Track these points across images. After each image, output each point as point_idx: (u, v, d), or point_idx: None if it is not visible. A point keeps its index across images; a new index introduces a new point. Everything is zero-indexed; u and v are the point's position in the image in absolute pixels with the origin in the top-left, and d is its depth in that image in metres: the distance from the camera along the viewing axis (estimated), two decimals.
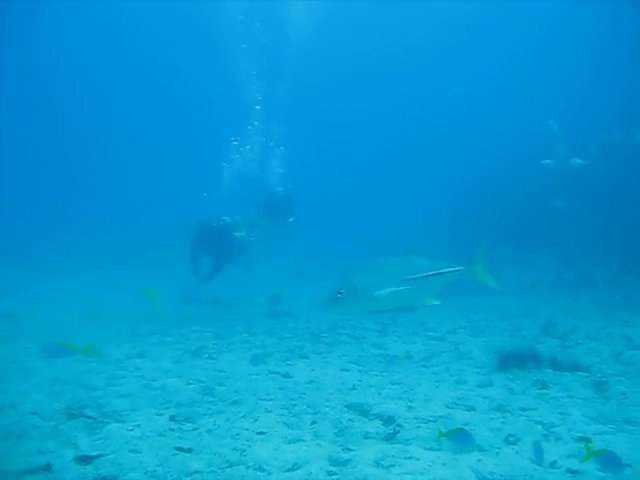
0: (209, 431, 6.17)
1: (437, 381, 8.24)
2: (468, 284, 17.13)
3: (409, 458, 5.50)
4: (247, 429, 6.23)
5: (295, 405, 7.09)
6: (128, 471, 5.14)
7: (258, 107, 20.44)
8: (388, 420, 6.57)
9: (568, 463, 5.40)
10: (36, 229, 29.32)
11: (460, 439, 5.64)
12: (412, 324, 12.37)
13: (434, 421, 6.53)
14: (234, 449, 5.67)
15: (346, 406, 7.05)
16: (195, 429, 6.23)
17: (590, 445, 5.26)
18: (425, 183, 40.17)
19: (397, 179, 43.29)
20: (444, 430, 5.69)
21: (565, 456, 5.57)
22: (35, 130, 45.59)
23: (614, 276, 15.10)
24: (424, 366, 9.12)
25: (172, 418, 6.53)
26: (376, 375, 8.53)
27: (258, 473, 5.18)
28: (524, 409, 6.95)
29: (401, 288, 5.44)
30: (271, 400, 7.28)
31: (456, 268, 5.80)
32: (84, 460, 5.31)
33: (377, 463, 5.37)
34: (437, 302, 5.69)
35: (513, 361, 8.82)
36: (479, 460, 5.47)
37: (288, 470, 5.27)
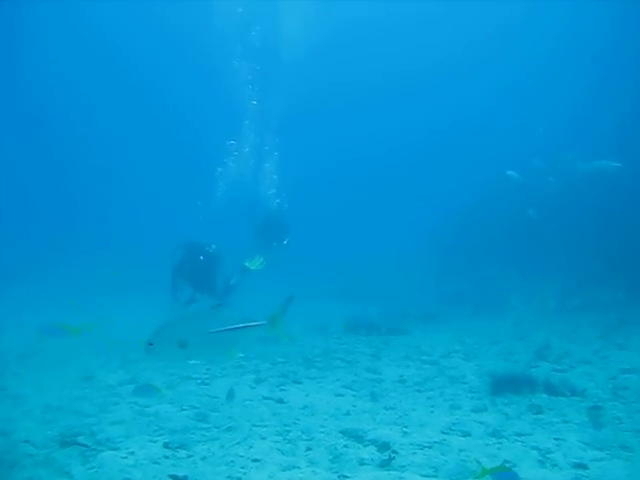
0: (203, 458, 6.12)
1: (432, 406, 8.21)
2: (462, 306, 17.27)
3: None
4: (242, 456, 6.18)
5: (290, 431, 7.05)
6: None
7: (254, 102, 20.46)
8: (383, 446, 6.53)
9: None
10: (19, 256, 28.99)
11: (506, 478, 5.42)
12: (405, 348, 12.35)
13: (429, 447, 6.50)
14: (229, 477, 5.63)
15: (341, 432, 7.02)
16: (189, 456, 6.19)
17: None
18: (417, 206, 40.36)
19: (388, 201, 43.50)
20: (487, 467, 5.49)
21: None
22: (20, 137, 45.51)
23: (619, 299, 15.09)
24: (418, 391, 9.09)
25: (166, 445, 6.48)
26: (370, 400, 8.50)
27: None
28: (520, 434, 6.92)
29: (206, 340, 5.51)
30: (265, 426, 7.23)
31: (259, 323, 6.05)
32: None
33: None
34: (241, 354, 5.85)
35: (507, 385, 8.78)
36: None
37: None
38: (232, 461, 6.04)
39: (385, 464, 6.03)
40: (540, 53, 30.49)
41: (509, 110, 30.60)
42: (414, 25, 36.45)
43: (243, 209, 17.04)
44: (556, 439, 6.72)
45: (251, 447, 6.47)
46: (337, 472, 5.80)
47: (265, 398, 8.58)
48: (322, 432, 7.01)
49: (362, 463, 6.07)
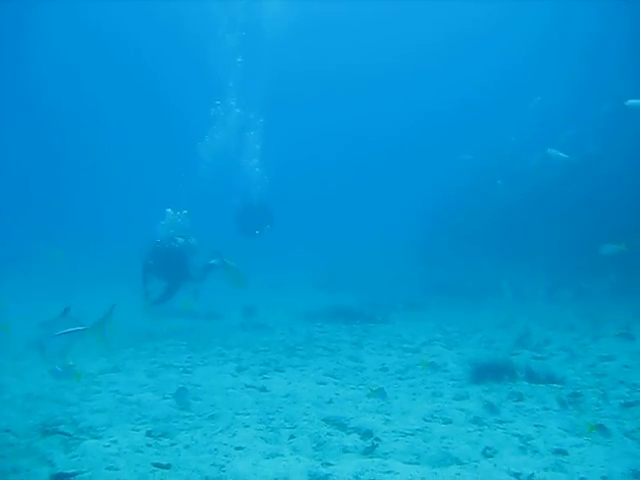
0: (187, 446, 6.11)
1: (413, 394, 8.26)
2: (445, 296, 17.38)
3: (388, 472, 5.49)
4: (225, 444, 6.18)
5: (273, 419, 7.06)
6: None
7: (240, 59, 20.31)
8: (366, 434, 6.56)
9: (546, 476, 5.44)
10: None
11: None
12: (387, 336, 12.42)
13: (412, 434, 6.54)
14: (213, 465, 5.62)
15: (324, 420, 7.04)
16: (173, 444, 6.17)
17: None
18: (404, 195, 40.37)
19: (373, 194, 43.52)
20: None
21: (542, 469, 5.61)
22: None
23: (603, 289, 15.21)
24: (400, 379, 9.14)
25: (149, 433, 6.46)
26: (353, 388, 8.53)
27: None
28: (501, 422, 6.99)
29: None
30: (248, 414, 7.24)
31: (82, 327, 7.49)
32: (60, 478, 5.22)
33: (357, 478, 5.35)
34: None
35: (488, 373, 8.87)
36: (458, 474, 5.48)
37: None
38: (215, 449, 6.04)
39: (368, 451, 6.06)
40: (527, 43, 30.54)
41: (500, 96, 30.59)
42: (404, 10, 36.21)
43: (226, 195, 16.84)
44: (536, 426, 6.80)
45: (234, 435, 6.47)
46: (321, 459, 5.82)
47: (247, 386, 8.57)
48: (305, 420, 7.03)
49: (345, 450, 6.10)
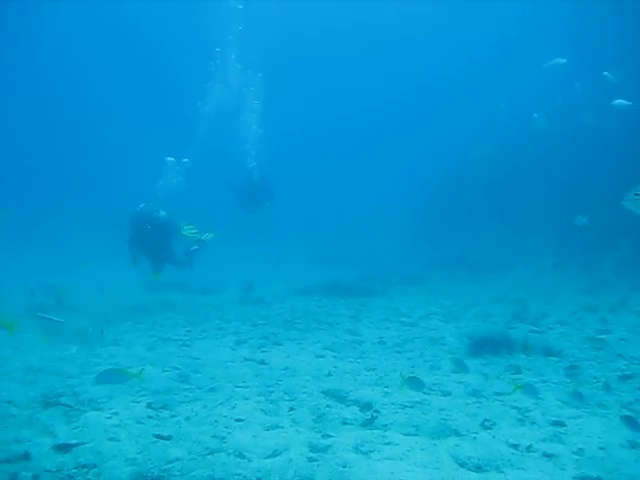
0: (187, 418, 6.15)
1: (412, 367, 8.31)
2: (443, 270, 17.38)
3: (388, 444, 5.54)
4: (225, 416, 6.22)
5: (272, 392, 7.10)
6: (108, 459, 5.10)
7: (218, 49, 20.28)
8: (365, 406, 6.60)
9: (544, 447, 5.49)
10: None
11: None
12: (385, 310, 12.45)
13: (411, 407, 6.59)
14: (214, 436, 5.66)
15: (323, 392, 7.08)
16: (173, 416, 6.21)
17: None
18: (399, 170, 40.18)
19: (371, 168, 43.26)
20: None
21: (540, 440, 5.66)
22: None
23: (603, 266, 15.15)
24: (398, 352, 9.18)
25: (149, 406, 6.49)
26: (351, 361, 8.57)
27: (239, 460, 5.18)
28: (499, 394, 7.04)
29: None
30: (248, 387, 7.28)
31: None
32: (63, 448, 5.26)
33: (356, 449, 5.40)
34: None
35: (486, 347, 8.93)
36: (457, 445, 5.53)
37: (268, 457, 5.27)
38: (216, 421, 6.07)
39: (368, 423, 6.10)
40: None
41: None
42: None
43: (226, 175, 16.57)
44: (534, 398, 6.84)
45: (234, 407, 6.51)
46: (320, 431, 5.86)
47: (246, 359, 8.61)
48: (304, 393, 7.07)
49: (345, 423, 6.14)
